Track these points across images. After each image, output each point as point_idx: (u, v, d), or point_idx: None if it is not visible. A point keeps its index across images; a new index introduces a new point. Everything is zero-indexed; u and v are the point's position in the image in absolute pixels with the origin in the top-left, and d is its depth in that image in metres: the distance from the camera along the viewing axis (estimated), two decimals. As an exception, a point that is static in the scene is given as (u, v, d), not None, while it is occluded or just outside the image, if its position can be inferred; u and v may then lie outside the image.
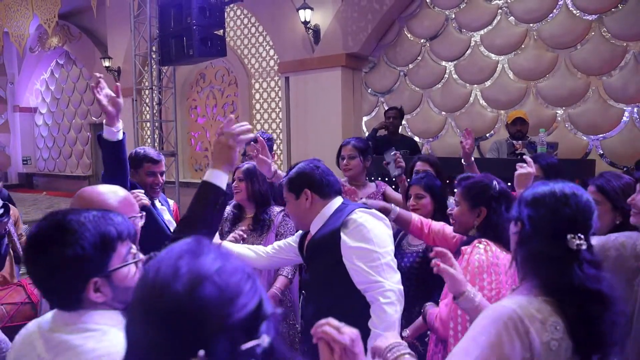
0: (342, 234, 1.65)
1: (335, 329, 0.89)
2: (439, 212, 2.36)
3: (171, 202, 2.97)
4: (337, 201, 1.81)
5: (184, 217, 1.35)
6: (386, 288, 1.55)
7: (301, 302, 2.81)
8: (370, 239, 1.60)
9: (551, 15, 5.36)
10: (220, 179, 1.33)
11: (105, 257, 0.97)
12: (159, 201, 2.75)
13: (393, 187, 3.16)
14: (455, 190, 1.86)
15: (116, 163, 1.99)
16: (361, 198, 2.34)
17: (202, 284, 0.61)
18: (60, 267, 0.93)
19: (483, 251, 1.61)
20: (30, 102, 13.05)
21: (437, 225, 2.12)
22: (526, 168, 1.98)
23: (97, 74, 1.96)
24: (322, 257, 1.74)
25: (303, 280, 2.63)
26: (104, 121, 1.95)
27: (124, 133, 1.97)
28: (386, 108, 6.06)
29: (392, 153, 2.92)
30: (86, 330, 0.94)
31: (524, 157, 2.17)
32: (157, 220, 2.52)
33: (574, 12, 5.22)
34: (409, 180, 2.70)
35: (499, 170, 2.88)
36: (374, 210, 1.72)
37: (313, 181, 1.78)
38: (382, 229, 1.65)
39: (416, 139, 6.36)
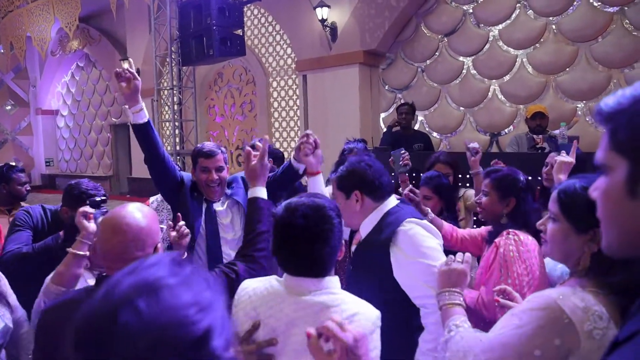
0: (393, 248, 1.55)
1: (339, 325, 0.84)
2: (446, 212, 2.55)
3: None
4: (391, 203, 1.68)
5: (252, 234, 1.57)
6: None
7: None
8: (425, 253, 1.50)
9: (571, 8, 5.32)
10: (264, 193, 1.65)
11: None
12: (227, 203, 2.39)
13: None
14: (484, 182, 1.98)
15: (150, 146, 2.10)
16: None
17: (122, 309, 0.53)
18: None
19: (514, 242, 1.73)
20: (52, 104, 13.34)
21: (463, 230, 2.29)
22: (568, 157, 2.10)
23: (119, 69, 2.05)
24: (368, 265, 1.66)
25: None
26: (126, 106, 2.06)
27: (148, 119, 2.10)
28: (410, 102, 6.09)
29: (401, 151, 2.97)
30: None
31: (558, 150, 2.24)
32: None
33: (595, 4, 5.18)
34: (412, 182, 2.76)
35: (519, 164, 2.90)
36: (424, 221, 1.61)
37: (364, 182, 1.65)
38: (433, 242, 1.55)
39: (434, 134, 6.38)
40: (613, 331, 0.98)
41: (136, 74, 2.03)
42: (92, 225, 1.80)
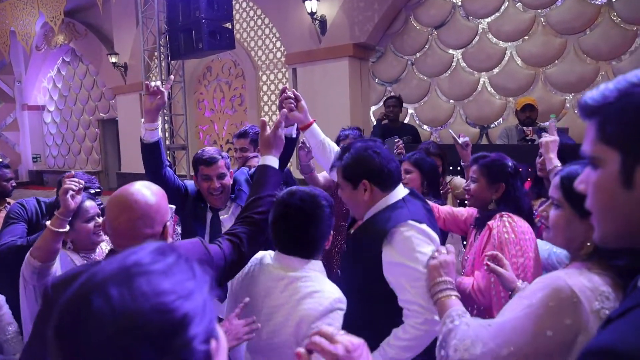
0: (387, 245, 1.50)
1: (328, 337, 0.81)
2: (430, 189, 2.54)
3: None
4: (399, 193, 1.60)
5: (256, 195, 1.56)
6: (423, 314, 1.44)
7: None
8: (416, 258, 1.45)
9: (559, 0, 5.34)
10: (275, 162, 1.64)
11: None
12: (231, 209, 2.31)
13: None
14: (472, 168, 1.99)
15: (155, 165, 2.06)
16: None
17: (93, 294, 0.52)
18: None
19: (508, 224, 1.75)
20: (38, 100, 13.13)
21: (445, 207, 2.28)
22: (551, 137, 2.11)
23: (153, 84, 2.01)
24: (360, 250, 1.61)
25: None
26: (143, 121, 2.03)
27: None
28: (397, 96, 6.11)
29: (395, 139, 2.98)
30: None
31: (542, 127, 2.26)
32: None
33: (583, -4, 5.21)
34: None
35: (510, 155, 2.92)
36: (424, 225, 1.51)
37: (373, 170, 1.55)
38: (427, 248, 1.48)
39: (424, 127, 6.40)
40: None
41: (165, 95, 2.00)
42: (72, 203, 1.81)
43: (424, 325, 1.43)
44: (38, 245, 1.76)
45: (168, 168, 2.18)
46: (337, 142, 3.14)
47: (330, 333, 0.81)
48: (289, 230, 1.45)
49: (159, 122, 2.03)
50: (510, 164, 1.92)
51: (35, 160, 13.36)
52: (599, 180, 0.69)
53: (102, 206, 2.11)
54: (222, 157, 2.24)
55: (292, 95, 1.93)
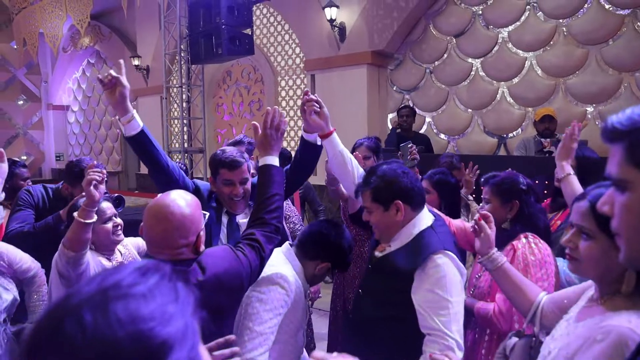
0: (420, 271, 1.52)
1: None
2: (447, 211, 2.41)
3: None
4: (425, 218, 1.64)
5: (264, 197, 1.62)
6: (447, 341, 1.44)
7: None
8: (445, 286, 1.47)
9: (582, 10, 5.27)
10: (275, 160, 1.69)
11: None
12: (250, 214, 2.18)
13: None
14: (484, 189, 1.94)
15: (150, 157, 1.90)
16: None
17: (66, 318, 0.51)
18: None
19: (534, 245, 1.73)
20: (62, 100, 13.45)
21: (457, 222, 2.25)
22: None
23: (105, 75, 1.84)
24: (388, 276, 1.63)
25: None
26: (117, 117, 1.88)
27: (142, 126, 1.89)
28: (411, 105, 6.11)
29: (408, 145, 2.95)
30: None
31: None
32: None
33: (606, 6, 5.12)
34: (422, 176, 2.72)
35: (526, 167, 2.88)
36: (454, 256, 1.55)
37: (403, 190, 1.58)
38: (457, 278, 1.52)
39: (442, 136, 6.36)
40: None
41: (123, 79, 1.80)
42: (96, 193, 1.85)
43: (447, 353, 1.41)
44: (69, 237, 1.83)
45: (171, 162, 2.02)
46: (353, 150, 3.14)
47: (323, 357, 0.81)
48: None
49: (134, 111, 1.87)
50: (522, 180, 1.89)
51: (58, 158, 13.66)
52: (629, 202, 0.70)
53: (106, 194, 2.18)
54: (245, 160, 2.05)
55: (315, 99, 1.90)
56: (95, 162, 2.09)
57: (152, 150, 1.91)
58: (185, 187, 1.99)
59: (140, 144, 1.88)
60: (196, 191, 2.08)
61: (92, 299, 0.51)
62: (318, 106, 1.89)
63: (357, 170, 1.95)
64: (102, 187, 1.89)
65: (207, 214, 1.53)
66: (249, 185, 2.06)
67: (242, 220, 2.14)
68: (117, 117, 1.87)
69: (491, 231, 1.51)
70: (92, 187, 1.85)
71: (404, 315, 1.54)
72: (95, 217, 1.88)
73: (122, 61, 1.89)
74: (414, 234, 1.59)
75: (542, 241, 1.76)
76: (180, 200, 1.35)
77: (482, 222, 1.52)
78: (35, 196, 2.55)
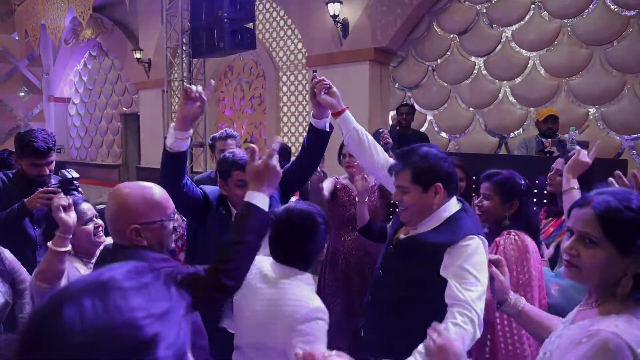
0: (453, 248, 1.53)
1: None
2: None
3: None
4: (454, 204, 1.64)
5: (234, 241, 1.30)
6: (471, 312, 1.43)
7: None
8: (476, 266, 1.49)
9: (587, 10, 5.23)
10: (264, 202, 1.35)
11: None
12: None
13: None
14: (484, 185, 1.94)
15: (176, 175, 1.84)
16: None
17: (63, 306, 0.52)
18: None
19: (514, 241, 1.78)
20: (64, 92, 13.44)
21: None
22: (586, 157, 1.97)
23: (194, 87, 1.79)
24: (414, 257, 1.63)
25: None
26: (172, 125, 1.78)
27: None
28: (413, 103, 6.08)
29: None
30: None
31: (577, 148, 2.09)
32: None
33: (612, 7, 5.09)
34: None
35: (527, 167, 2.86)
36: (486, 242, 1.58)
37: (445, 174, 1.59)
38: (485, 258, 1.53)
39: (443, 134, 6.34)
40: None
41: (205, 103, 1.79)
42: (70, 219, 1.68)
43: (468, 325, 1.41)
44: (43, 269, 1.66)
45: (187, 176, 1.96)
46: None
47: (321, 356, 0.80)
48: (285, 245, 1.51)
49: (191, 131, 1.80)
50: (521, 181, 1.93)
51: (59, 151, 13.57)
52: None
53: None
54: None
55: (324, 81, 1.89)
56: (52, 181, 2.01)
57: (182, 170, 1.89)
58: (197, 200, 2.02)
59: (178, 162, 1.84)
60: (205, 200, 2.06)
61: (90, 288, 0.54)
62: (327, 85, 1.89)
63: (376, 147, 1.94)
64: (73, 213, 1.71)
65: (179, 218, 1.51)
66: None
67: None
68: (171, 126, 1.80)
69: (504, 277, 1.45)
70: (62, 214, 1.67)
71: (427, 296, 1.56)
72: (69, 246, 1.70)
73: (212, 81, 1.92)
74: (444, 217, 1.61)
75: (526, 236, 1.79)
76: (140, 186, 1.38)
77: (494, 269, 1.46)
78: None
